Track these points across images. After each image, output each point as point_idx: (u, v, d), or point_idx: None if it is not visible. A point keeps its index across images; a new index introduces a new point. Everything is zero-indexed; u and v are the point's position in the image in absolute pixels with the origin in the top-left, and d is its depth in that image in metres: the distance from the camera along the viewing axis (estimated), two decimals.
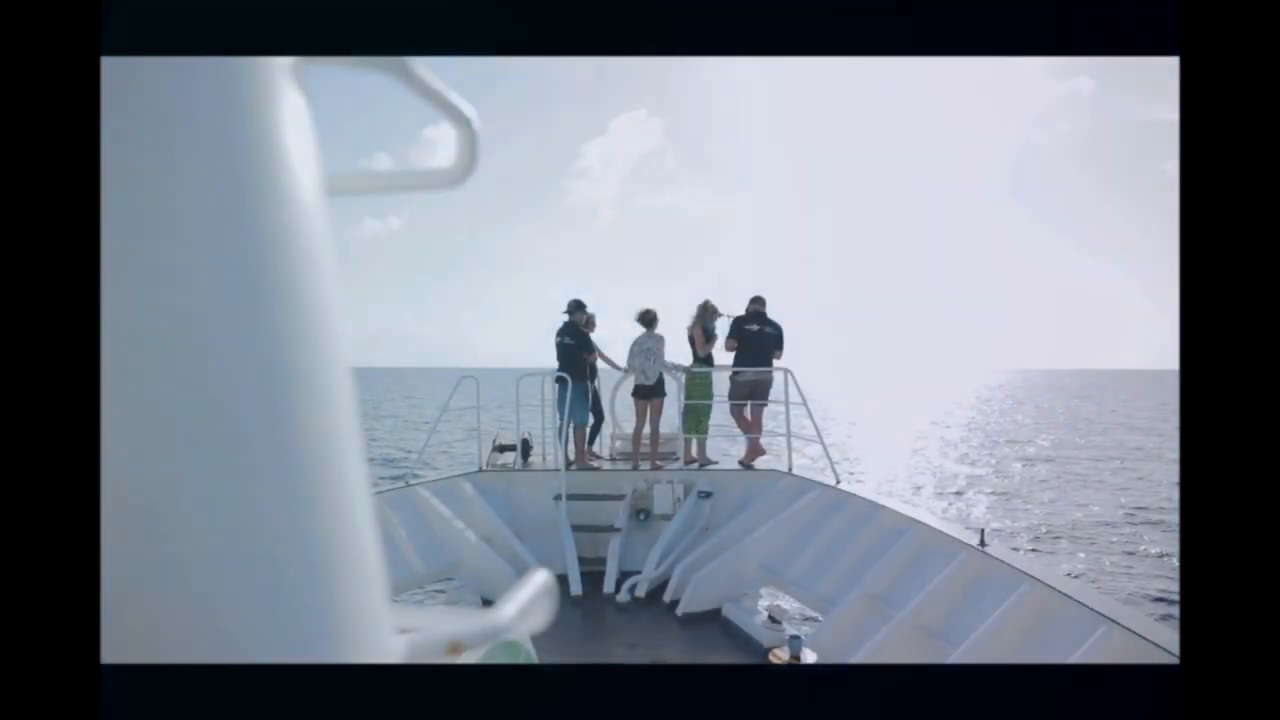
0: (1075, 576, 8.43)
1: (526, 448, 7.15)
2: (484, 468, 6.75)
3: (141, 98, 0.32)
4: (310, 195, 0.37)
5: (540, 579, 0.47)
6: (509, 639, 0.51)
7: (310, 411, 0.35)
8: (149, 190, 0.31)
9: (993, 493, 15.24)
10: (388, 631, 0.38)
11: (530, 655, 2.55)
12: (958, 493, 15.28)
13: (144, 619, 0.31)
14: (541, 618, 0.46)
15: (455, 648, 0.42)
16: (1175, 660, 2.61)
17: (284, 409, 0.34)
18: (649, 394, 6.79)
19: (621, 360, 7.04)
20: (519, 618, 0.44)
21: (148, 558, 0.31)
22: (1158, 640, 2.78)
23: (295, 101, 0.37)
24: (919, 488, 15.85)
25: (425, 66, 0.44)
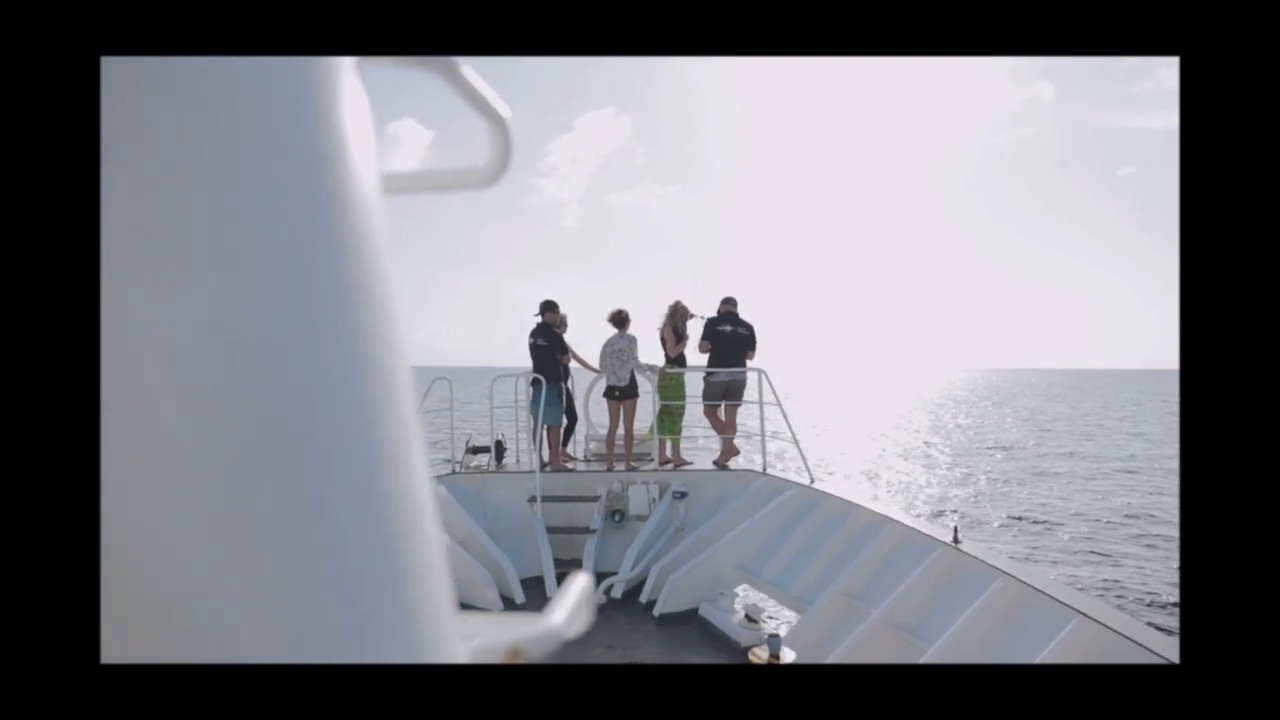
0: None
1: (500, 450, 7.10)
2: (458, 470, 6.68)
3: (144, 98, 0.32)
4: (371, 190, 0.37)
5: (582, 582, 0.49)
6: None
7: (384, 417, 0.35)
8: (148, 192, 0.31)
9: (970, 500, 15.13)
10: (455, 639, 0.39)
11: None
12: (934, 511, 15.24)
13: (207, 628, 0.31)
14: (586, 619, 0.48)
15: (515, 653, 0.44)
16: (1149, 652, 2.67)
17: (361, 415, 0.34)
18: (621, 395, 6.77)
19: (594, 361, 7.02)
20: (569, 621, 0.46)
21: (198, 565, 0.31)
22: (1129, 633, 2.86)
23: (354, 99, 0.37)
24: (880, 499, 15.76)
25: (470, 67, 0.45)
